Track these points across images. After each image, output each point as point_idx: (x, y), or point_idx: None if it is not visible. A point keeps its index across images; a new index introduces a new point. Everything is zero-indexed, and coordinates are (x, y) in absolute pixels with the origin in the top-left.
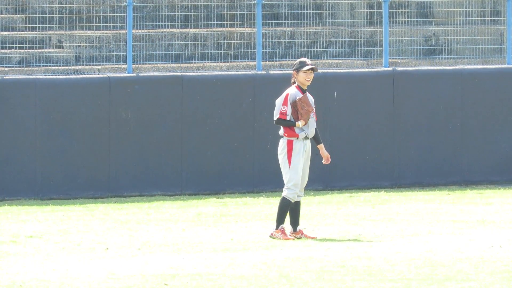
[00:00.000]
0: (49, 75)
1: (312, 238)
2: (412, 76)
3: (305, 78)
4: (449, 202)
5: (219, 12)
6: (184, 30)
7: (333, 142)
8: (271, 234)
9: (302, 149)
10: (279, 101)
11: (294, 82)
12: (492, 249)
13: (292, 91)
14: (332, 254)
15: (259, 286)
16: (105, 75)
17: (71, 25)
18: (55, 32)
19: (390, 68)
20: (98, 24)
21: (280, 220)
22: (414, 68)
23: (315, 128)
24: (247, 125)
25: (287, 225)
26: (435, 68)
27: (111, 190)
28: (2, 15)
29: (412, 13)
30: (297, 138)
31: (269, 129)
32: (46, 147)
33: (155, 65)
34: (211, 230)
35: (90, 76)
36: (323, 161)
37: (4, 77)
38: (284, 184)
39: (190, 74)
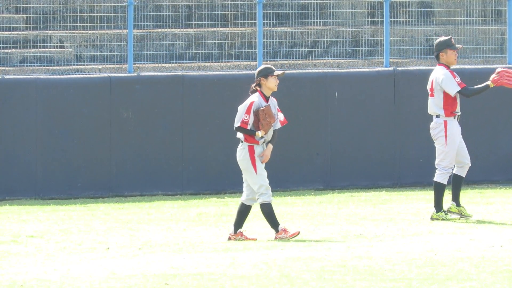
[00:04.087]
0: (49, 75)
1: (253, 239)
2: (413, 76)
3: (274, 83)
4: (450, 201)
5: (220, 12)
6: (185, 30)
7: (334, 141)
8: (275, 237)
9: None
10: (242, 109)
11: (255, 90)
12: (493, 249)
13: (256, 99)
14: (333, 253)
15: (260, 286)
16: (106, 75)
17: (71, 24)
18: (56, 31)
19: (391, 68)
20: (99, 24)
21: (274, 224)
22: (415, 68)
23: (275, 130)
24: None
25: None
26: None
27: (112, 190)
28: (3, 15)
29: (413, 13)
30: (258, 144)
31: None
32: (47, 146)
33: (156, 65)
34: (212, 229)
35: (91, 75)
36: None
37: (5, 77)
38: (250, 191)
39: (191, 73)
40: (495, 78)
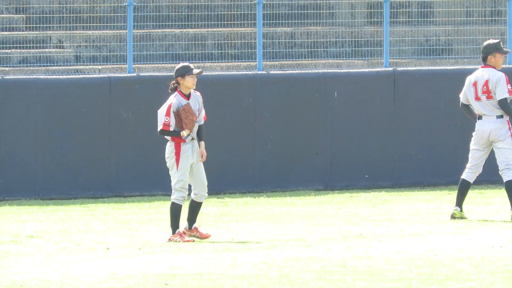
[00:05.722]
0: (49, 75)
1: (206, 236)
2: (413, 76)
3: (192, 82)
4: (450, 202)
5: (219, 12)
6: (184, 30)
7: (334, 142)
8: (169, 239)
9: (191, 151)
10: (161, 112)
11: (174, 89)
12: (493, 249)
13: (174, 100)
14: (332, 254)
15: (259, 286)
16: (105, 75)
17: (71, 25)
18: (56, 32)
19: (391, 68)
20: (98, 24)
21: (174, 226)
22: (414, 68)
23: (200, 125)
24: (247, 125)
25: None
26: (436, 68)
27: (111, 190)
28: (3, 15)
29: (413, 13)
30: (185, 142)
31: (269, 129)
32: (47, 147)
33: (156, 65)
34: (211, 230)
35: (91, 76)
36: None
37: (5, 77)
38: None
39: None
40: None
